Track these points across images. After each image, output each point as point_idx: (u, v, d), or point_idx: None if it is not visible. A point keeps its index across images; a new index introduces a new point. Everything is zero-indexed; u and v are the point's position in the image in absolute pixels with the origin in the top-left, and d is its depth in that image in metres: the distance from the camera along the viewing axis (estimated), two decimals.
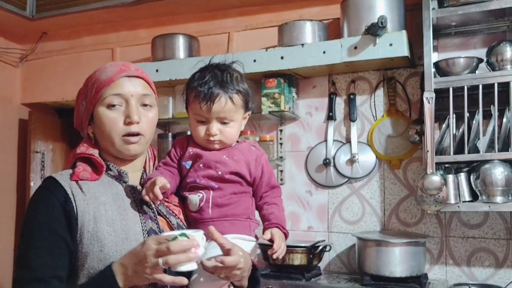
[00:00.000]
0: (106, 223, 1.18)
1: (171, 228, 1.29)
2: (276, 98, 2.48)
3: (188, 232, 1.12)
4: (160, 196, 1.22)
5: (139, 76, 1.29)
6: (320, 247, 2.37)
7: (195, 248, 1.08)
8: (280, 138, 2.67)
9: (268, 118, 2.61)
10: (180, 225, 1.31)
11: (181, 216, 1.33)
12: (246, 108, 1.36)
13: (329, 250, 2.45)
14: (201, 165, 1.32)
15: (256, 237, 1.33)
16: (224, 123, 1.31)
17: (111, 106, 1.24)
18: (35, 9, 2.99)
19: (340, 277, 2.38)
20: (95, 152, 1.28)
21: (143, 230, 1.21)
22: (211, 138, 1.31)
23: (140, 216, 1.23)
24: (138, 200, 1.26)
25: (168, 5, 2.77)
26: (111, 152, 1.28)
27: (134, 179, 1.32)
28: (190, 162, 1.34)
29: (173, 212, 1.32)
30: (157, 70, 2.62)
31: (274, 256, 1.29)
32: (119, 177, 1.29)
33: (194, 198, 1.31)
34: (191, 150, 1.34)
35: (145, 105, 1.27)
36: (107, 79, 1.25)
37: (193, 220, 1.33)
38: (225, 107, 1.29)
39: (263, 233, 1.32)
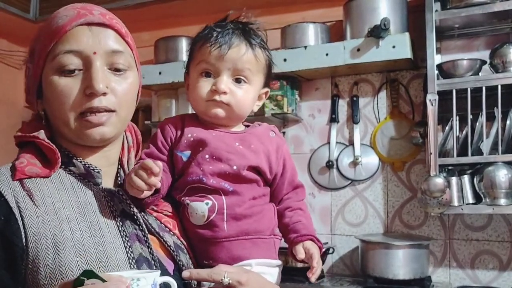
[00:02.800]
0: (73, 250, 0.78)
1: (166, 251, 0.90)
2: (278, 100, 2.48)
3: (128, 273, 0.71)
4: (158, 184, 0.85)
5: (107, 24, 0.88)
6: (323, 250, 2.36)
7: None
8: None
9: (271, 120, 2.60)
10: (178, 245, 0.93)
11: (177, 232, 0.95)
12: (266, 81, 1.04)
13: (332, 253, 2.44)
14: (206, 156, 0.95)
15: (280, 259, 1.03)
16: (238, 81, 0.98)
17: (63, 69, 0.84)
18: (38, 11, 3.00)
19: (343, 279, 2.38)
20: (40, 133, 0.87)
21: (129, 258, 0.82)
22: (217, 97, 0.96)
23: (122, 237, 0.84)
24: (118, 212, 0.87)
25: (170, 8, 2.77)
26: (69, 137, 0.89)
27: (107, 178, 0.92)
28: (188, 152, 0.97)
29: (166, 227, 0.93)
30: (160, 73, 2.63)
31: (313, 279, 0.96)
32: (88, 177, 0.88)
33: (201, 207, 0.94)
34: (190, 134, 0.97)
35: (118, 69, 0.88)
36: (57, 29, 0.84)
37: (198, 238, 0.96)
38: (244, 56, 0.96)
39: (289, 249, 1.01)
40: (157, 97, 2.77)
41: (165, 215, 0.95)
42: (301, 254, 0.97)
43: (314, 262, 0.95)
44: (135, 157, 0.99)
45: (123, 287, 0.64)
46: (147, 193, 0.87)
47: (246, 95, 0.99)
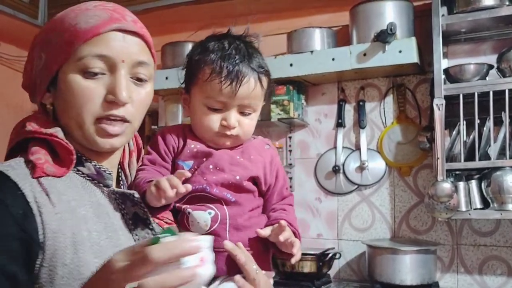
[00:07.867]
0: (91, 251, 0.77)
1: None
2: (285, 105, 2.48)
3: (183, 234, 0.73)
4: (183, 189, 0.85)
5: (139, 33, 0.86)
6: (330, 255, 2.35)
7: (199, 257, 0.66)
8: (289, 145, 2.67)
9: (277, 125, 2.60)
10: None
11: None
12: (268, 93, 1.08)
13: (339, 258, 2.43)
14: (210, 166, 0.98)
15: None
16: (244, 114, 1.01)
17: (89, 72, 0.82)
18: (47, 17, 3.02)
19: (350, 285, 2.37)
20: (57, 131, 0.84)
21: None
22: (228, 132, 0.99)
23: (135, 240, 0.85)
24: (130, 215, 0.86)
25: (177, 13, 2.79)
26: (77, 138, 0.86)
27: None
28: (190, 162, 0.99)
29: None
30: (166, 78, 2.63)
31: (293, 258, 0.98)
32: (98, 178, 0.87)
33: (203, 216, 0.95)
34: (193, 145, 1.00)
35: (139, 80, 0.87)
36: (88, 29, 0.81)
37: None
38: (253, 92, 0.99)
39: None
40: (164, 102, 2.78)
41: (166, 222, 0.94)
42: (264, 231, 0.97)
43: (281, 236, 0.94)
44: (137, 161, 0.99)
45: (194, 243, 0.65)
46: (163, 201, 0.88)
47: (252, 122, 1.04)
